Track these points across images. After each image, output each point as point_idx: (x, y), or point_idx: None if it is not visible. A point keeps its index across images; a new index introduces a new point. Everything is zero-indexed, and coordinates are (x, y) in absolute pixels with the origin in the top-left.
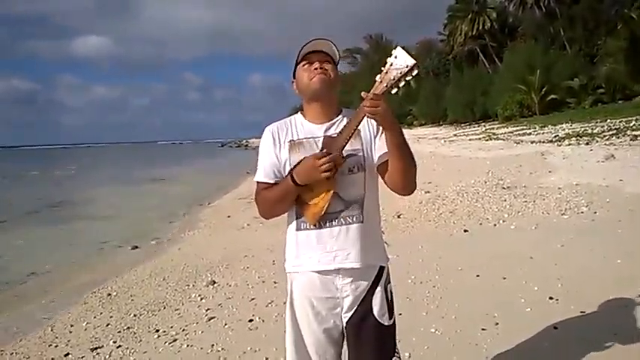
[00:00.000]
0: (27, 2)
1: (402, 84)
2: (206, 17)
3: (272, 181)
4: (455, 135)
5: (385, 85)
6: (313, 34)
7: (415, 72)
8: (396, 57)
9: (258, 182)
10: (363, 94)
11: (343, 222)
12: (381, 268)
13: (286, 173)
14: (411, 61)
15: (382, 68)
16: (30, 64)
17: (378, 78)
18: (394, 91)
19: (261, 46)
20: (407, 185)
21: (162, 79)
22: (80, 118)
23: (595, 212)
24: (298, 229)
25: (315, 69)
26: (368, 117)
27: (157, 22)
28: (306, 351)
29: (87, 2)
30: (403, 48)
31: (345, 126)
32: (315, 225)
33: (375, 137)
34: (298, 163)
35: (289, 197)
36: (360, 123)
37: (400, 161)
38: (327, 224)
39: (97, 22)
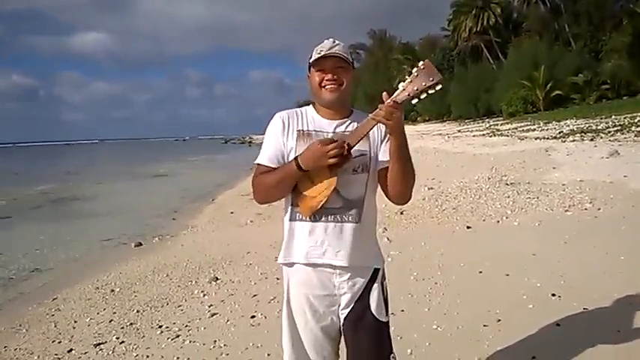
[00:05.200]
0: None
1: (423, 96)
2: (205, 12)
3: (274, 166)
4: (459, 131)
5: (407, 94)
6: (314, 28)
7: (439, 87)
8: (423, 68)
9: (259, 164)
10: (384, 95)
11: (339, 219)
12: (376, 270)
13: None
14: (438, 76)
15: (407, 77)
16: (29, 60)
17: (401, 86)
18: (415, 101)
19: (261, 42)
20: (403, 194)
21: (163, 75)
22: (82, 114)
23: (599, 209)
24: (292, 219)
25: (328, 80)
26: (381, 121)
27: (155, 18)
28: (304, 349)
29: None
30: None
31: (359, 126)
32: (309, 217)
33: (382, 142)
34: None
35: (288, 183)
36: (374, 125)
37: (401, 170)
38: (322, 218)
39: (95, 18)
